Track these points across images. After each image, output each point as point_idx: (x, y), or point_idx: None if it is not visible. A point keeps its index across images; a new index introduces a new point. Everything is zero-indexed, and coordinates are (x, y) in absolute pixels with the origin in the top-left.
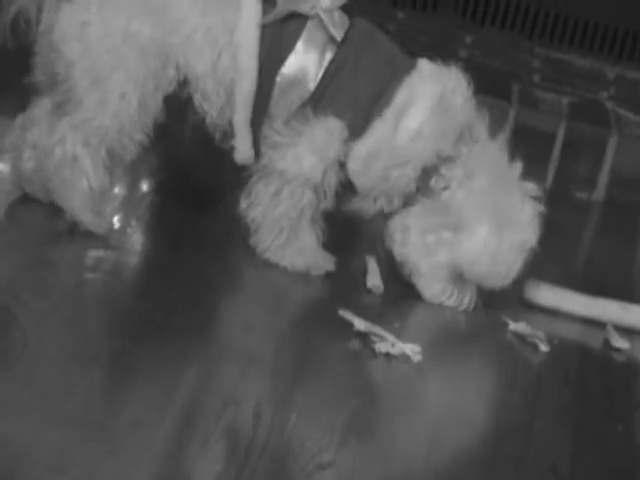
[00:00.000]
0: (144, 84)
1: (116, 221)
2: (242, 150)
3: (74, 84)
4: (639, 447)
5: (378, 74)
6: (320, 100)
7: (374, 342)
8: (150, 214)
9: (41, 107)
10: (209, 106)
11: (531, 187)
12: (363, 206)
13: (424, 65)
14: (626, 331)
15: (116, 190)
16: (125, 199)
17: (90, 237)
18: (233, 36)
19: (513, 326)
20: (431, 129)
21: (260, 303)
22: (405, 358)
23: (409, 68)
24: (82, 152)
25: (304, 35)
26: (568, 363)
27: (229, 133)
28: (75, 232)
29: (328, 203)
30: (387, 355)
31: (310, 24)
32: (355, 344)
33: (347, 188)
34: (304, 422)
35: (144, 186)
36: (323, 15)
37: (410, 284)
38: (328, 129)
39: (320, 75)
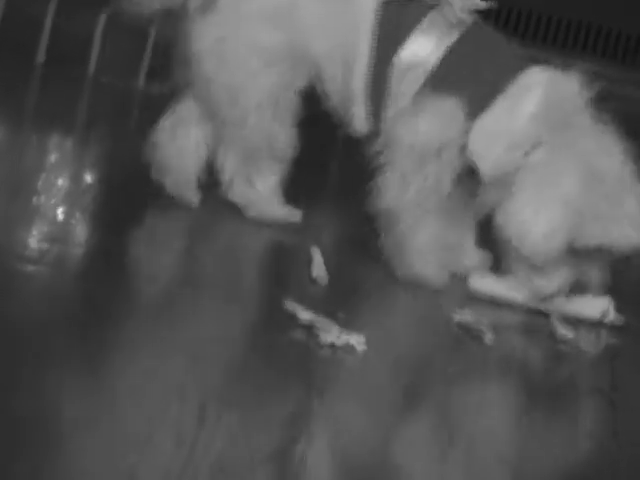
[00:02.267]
0: (277, 91)
1: (59, 213)
2: (359, 116)
3: (214, 100)
4: (585, 437)
5: (500, 59)
6: (441, 80)
7: (318, 333)
8: (94, 206)
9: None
10: (332, 87)
11: None
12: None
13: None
14: (570, 321)
15: (60, 182)
16: (69, 191)
17: (32, 228)
18: (352, 18)
19: (458, 316)
20: (544, 115)
21: (208, 293)
22: (350, 349)
23: (527, 63)
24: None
25: (426, 20)
26: (513, 353)
27: (349, 107)
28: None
29: (447, 188)
30: (332, 346)
31: (433, 11)
32: (299, 335)
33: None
34: (248, 414)
35: (88, 177)
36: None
37: (355, 275)
38: (447, 106)
39: (440, 57)
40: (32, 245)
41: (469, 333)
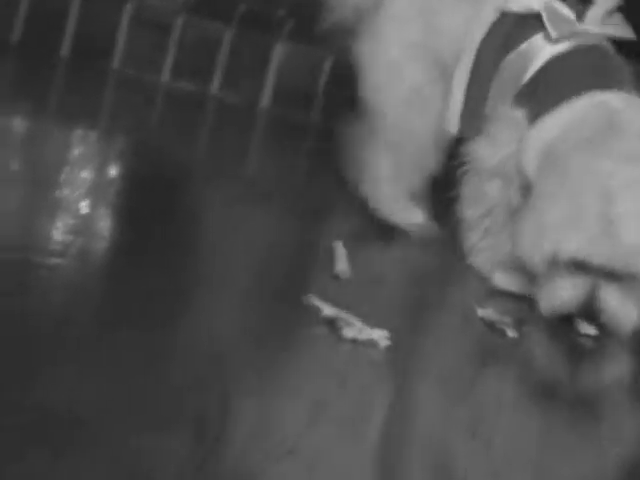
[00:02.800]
0: (422, 87)
1: (83, 206)
2: (454, 112)
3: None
4: (608, 431)
5: (583, 80)
6: (525, 92)
7: (341, 328)
8: (118, 199)
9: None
10: None
11: None
12: None
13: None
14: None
15: (84, 175)
16: (93, 184)
17: (56, 221)
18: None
19: (481, 312)
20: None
21: (229, 289)
22: (372, 344)
23: (609, 86)
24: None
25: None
26: (536, 349)
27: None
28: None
29: (515, 201)
30: (354, 341)
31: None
32: (322, 330)
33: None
34: (270, 408)
35: (112, 171)
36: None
37: (378, 270)
38: (511, 118)
39: (535, 70)
40: (56, 238)
41: (492, 328)
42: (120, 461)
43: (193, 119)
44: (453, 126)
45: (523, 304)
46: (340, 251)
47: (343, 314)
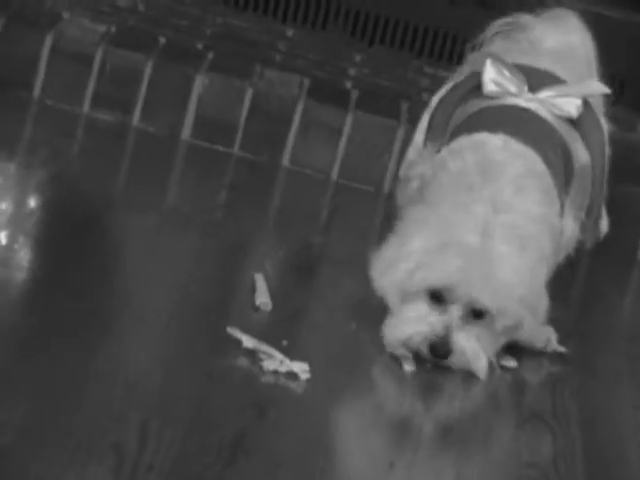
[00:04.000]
0: None
1: (3, 237)
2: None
3: None
4: (525, 464)
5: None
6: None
7: (262, 360)
8: (37, 230)
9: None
10: None
11: None
12: None
13: None
14: (513, 348)
15: (3, 206)
16: (12, 214)
17: None
18: None
19: (389, 347)
20: None
21: (148, 319)
22: (293, 376)
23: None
24: None
25: None
26: (455, 380)
27: None
28: None
29: None
30: (275, 373)
31: None
32: (243, 361)
33: None
34: (191, 439)
35: (32, 201)
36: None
37: (297, 303)
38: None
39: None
40: None
41: (395, 361)
42: None
43: (113, 150)
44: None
45: None
46: (261, 283)
47: (264, 346)
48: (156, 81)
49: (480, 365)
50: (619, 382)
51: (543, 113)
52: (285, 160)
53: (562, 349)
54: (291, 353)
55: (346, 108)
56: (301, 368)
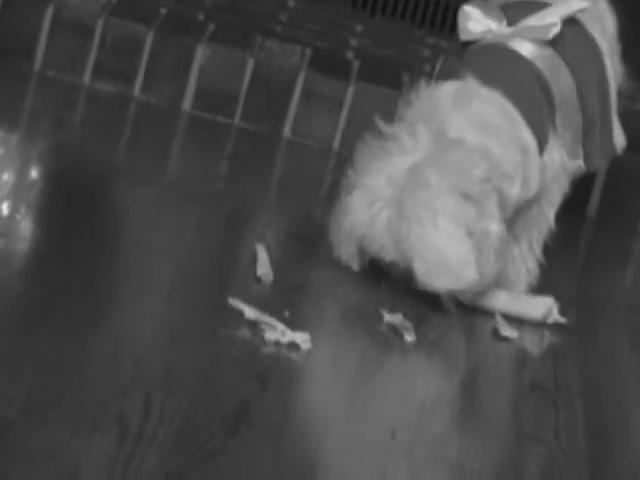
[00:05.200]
0: None
1: (4, 207)
2: None
3: None
4: (527, 436)
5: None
6: None
7: (263, 331)
8: (39, 201)
9: None
10: None
11: None
12: None
13: None
14: (514, 320)
15: (5, 177)
16: (14, 185)
17: None
18: None
19: (387, 317)
20: None
21: (150, 291)
22: (295, 347)
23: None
24: None
25: None
26: (456, 352)
27: None
28: None
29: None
30: (277, 344)
31: None
32: (245, 332)
33: None
34: (194, 410)
35: (33, 173)
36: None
37: (300, 273)
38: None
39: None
40: None
41: (395, 332)
42: (46, 461)
43: (114, 121)
44: None
45: (444, 307)
46: (262, 254)
47: (265, 317)
48: (157, 52)
49: None
50: (621, 353)
51: (519, 47)
52: (286, 131)
53: (563, 320)
54: (293, 324)
55: (347, 79)
56: (303, 339)
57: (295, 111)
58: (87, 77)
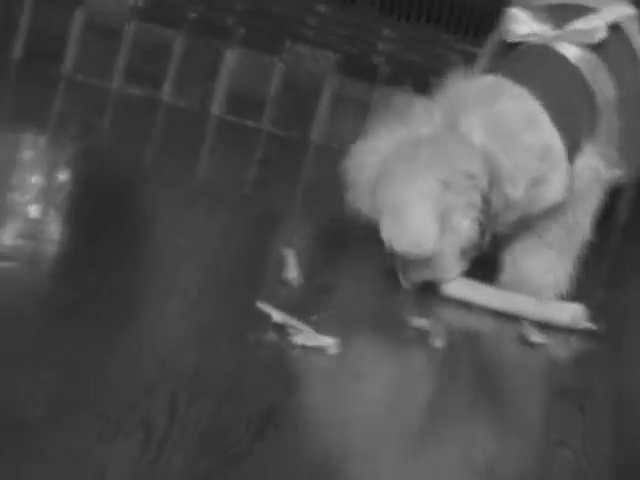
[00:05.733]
0: None
1: (33, 210)
2: None
3: None
4: (554, 442)
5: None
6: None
7: (291, 334)
8: (68, 203)
9: None
10: None
11: None
12: None
13: None
14: (542, 326)
15: (33, 179)
16: (43, 188)
17: (6, 225)
18: None
19: (416, 322)
20: None
21: (178, 293)
22: (322, 350)
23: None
24: None
25: None
26: (484, 357)
27: None
28: None
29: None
30: (304, 347)
31: None
32: (272, 336)
33: None
34: (220, 413)
35: (62, 176)
36: None
37: (327, 278)
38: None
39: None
40: (6, 242)
41: (423, 337)
42: (70, 464)
43: (143, 124)
44: None
45: (470, 312)
46: (290, 258)
47: (293, 321)
48: (187, 56)
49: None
50: None
51: (564, 50)
52: (315, 135)
53: (591, 326)
54: (320, 328)
55: (375, 83)
56: (330, 343)
57: (324, 115)
58: (116, 81)
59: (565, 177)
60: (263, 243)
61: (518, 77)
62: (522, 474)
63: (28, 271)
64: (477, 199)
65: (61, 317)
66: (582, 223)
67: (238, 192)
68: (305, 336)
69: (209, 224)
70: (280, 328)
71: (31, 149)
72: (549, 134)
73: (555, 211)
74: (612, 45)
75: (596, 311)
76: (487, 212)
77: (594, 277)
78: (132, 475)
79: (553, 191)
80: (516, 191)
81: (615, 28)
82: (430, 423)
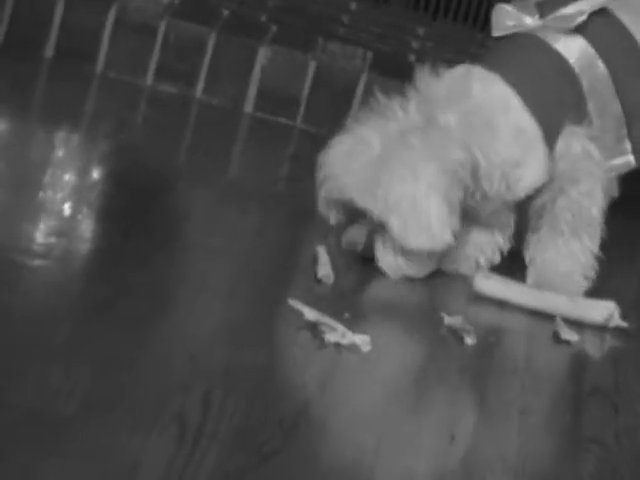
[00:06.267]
0: None
1: (66, 208)
2: None
3: None
4: (587, 439)
5: None
6: None
7: (324, 332)
8: (101, 201)
9: None
10: None
11: None
12: None
13: None
14: (575, 323)
15: (66, 177)
16: (76, 186)
17: (39, 222)
18: None
19: (447, 319)
20: None
21: (210, 290)
22: (354, 348)
23: None
24: None
25: None
26: (517, 355)
27: None
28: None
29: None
30: (337, 345)
31: None
32: (305, 334)
33: None
34: (253, 410)
35: (95, 173)
36: None
37: (359, 275)
38: None
39: None
40: (38, 239)
41: (455, 335)
42: (104, 459)
43: (176, 122)
44: None
45: (503, 310)
46: (323, 256)
47: (325, 318)
48: (219, 53)
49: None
50: None
51: (547, 37)
52: None
53: (624, 324)
54: (353, 325)
55: (408, 81)
56: (363, 340)
57: (357, 113)
58: (149, 78)
59: (543, 160)
60: (295, 240)
61: (494, 65)
62: (555, 471)
63: (61, 269)
64: (460, 188)
65: (94, 314)
66: (585, 204)
67: (270, 189)
68: (338, 334)
69: (241, 221)
70: (313, 326)
71: (64, 147)
72: (522, 117)
73: (554, 198)
74: (599, 28)
75: (629, 309)
76: (467, 203)
77: (627, 274)
78: (166, 470)
79: (531, 174)
80: (492, 188)
81: (602, 11)
82: (463, 422)
